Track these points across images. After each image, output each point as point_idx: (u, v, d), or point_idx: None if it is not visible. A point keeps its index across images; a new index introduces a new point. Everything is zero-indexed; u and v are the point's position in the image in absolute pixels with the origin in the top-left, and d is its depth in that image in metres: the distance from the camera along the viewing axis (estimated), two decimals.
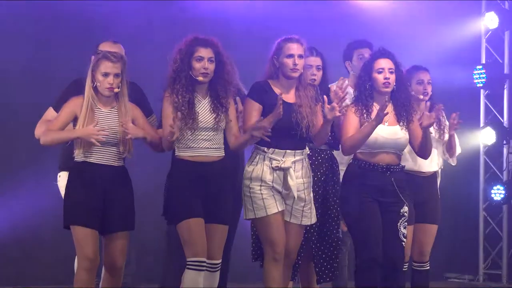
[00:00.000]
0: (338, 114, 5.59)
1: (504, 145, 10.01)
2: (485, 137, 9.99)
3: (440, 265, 9.44)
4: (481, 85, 9.95)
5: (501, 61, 10.11)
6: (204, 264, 5.53)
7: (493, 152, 10.16)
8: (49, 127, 5.53)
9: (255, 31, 9.14)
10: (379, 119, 5.72)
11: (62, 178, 6.09)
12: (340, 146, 5.99)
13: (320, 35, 8.62)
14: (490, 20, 9.99)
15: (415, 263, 6.50)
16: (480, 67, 9.92)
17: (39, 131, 6.05)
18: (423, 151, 5.99)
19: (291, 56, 5.69)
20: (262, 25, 9.16)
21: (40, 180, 8.14)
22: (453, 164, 6.67)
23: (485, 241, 10.17)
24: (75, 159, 5.51)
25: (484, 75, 9.87)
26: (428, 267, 6.50)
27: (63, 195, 5.73)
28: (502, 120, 10.10)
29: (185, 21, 9.01)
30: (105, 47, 6.22)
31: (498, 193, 9.83)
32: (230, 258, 6.48)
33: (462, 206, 10.11)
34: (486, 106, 10.22)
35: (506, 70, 10.06)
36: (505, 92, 10.06)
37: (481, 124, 10.14)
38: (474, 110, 10.12)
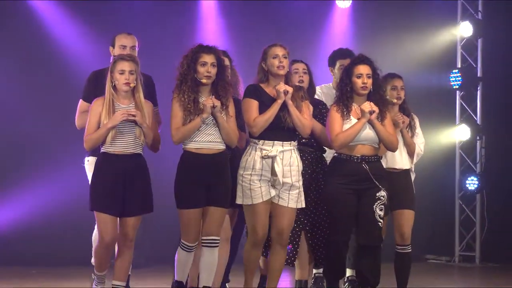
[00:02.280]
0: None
1: (477, 141, 10.34)
2: (461, 133, 10.35)
3: (420, 247, 9.74)
4: (457, 87, 10.32)
5: (474, 66, 10.45)
6: (194, 248, 5.93)
7: (468, 147, 10.44)
8: (86, 133, 5.83)
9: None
10: (367, 117, 6.11)
11: (90, 163, 6.33)
12: (330, 143, 6.22)
13: (304, 37, 9.19)
14: (465, 29, 10.38)
15: (398, 246, 6.65)
16: (456, 71, 10.32)
17: (79, 122, 6.55)
18: (387, 145, 6.28)
19: (276, 56, 5.98)
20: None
21: (68, 169, 8.50)
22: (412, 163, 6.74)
23: (460, 226, 10.49)
24: (101, 151, 5.84)
25: (459, 78, 10.24)
26: (410, 250, 6.65)
27: (89, 177, 6.09)
28: (476, 118, 10.40)
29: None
30: (121, 38, 6.60)
31: (472, 183, 10.24)
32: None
33: (440, 195, 10.41)
34: (461, 105, 10.52)
35: (479, 74, 10.40)
36: (478, 93, 10.40)
37: (457, 122, 10.46)
38: (451, 109, 10.51)
